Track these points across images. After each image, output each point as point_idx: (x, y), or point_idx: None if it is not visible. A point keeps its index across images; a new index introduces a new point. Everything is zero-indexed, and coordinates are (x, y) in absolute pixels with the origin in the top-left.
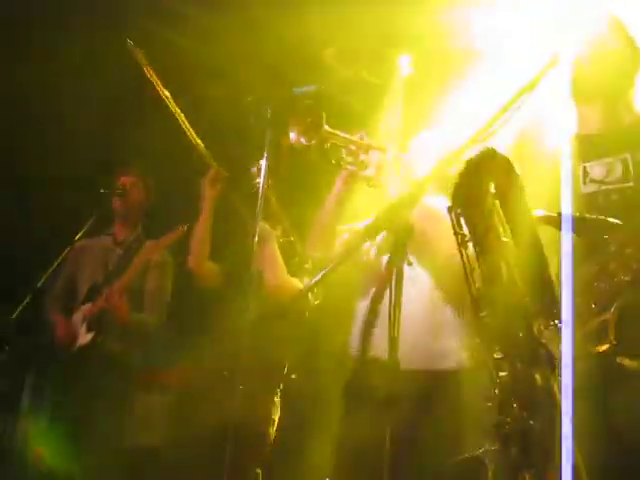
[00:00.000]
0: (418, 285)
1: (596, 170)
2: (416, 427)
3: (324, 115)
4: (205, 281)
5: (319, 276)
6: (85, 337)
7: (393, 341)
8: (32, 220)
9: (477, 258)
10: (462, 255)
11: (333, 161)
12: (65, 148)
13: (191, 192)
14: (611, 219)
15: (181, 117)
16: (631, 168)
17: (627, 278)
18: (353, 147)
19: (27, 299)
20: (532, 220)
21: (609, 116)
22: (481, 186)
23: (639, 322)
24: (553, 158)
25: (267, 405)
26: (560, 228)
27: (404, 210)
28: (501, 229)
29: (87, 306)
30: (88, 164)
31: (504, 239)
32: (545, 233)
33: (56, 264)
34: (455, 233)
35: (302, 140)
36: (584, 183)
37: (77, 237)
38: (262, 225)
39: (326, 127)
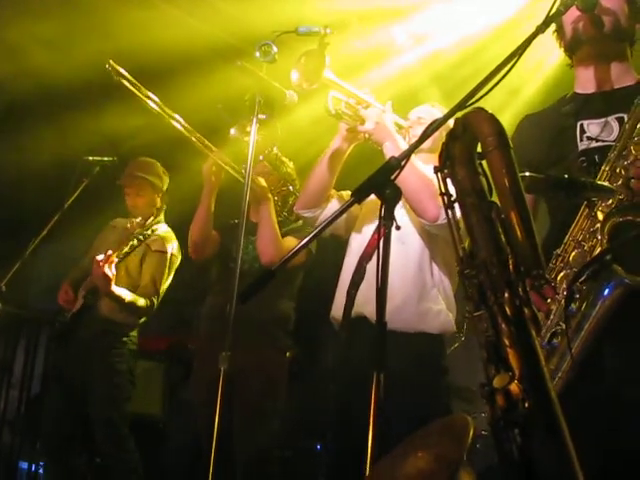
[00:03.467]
0: (406, 245)
1: (593, 129)
2: (400, 388)
3: (326, 59)
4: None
5: (304, 241)
6: (80, 303)
7: (381, 300)
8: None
9: (463, 218)
10: (448, 216)
11: (332, 112)
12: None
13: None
14: (601, 182)
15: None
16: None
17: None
18: (353, 100)
19: (16, 266)
20: (519, 181)
21: (606, 77)
22: (468, 146)
23: None
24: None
25: (274, 359)
26: (547, 190)
27: (392, 173)
28: (487, 189)
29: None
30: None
31: (490, 199)
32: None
33: (45, 231)
34: (441, 194)
35: (304, 84)
36: (580, 140)
37: (66, 204)
38: (256, 185)
39: (329, 74)
